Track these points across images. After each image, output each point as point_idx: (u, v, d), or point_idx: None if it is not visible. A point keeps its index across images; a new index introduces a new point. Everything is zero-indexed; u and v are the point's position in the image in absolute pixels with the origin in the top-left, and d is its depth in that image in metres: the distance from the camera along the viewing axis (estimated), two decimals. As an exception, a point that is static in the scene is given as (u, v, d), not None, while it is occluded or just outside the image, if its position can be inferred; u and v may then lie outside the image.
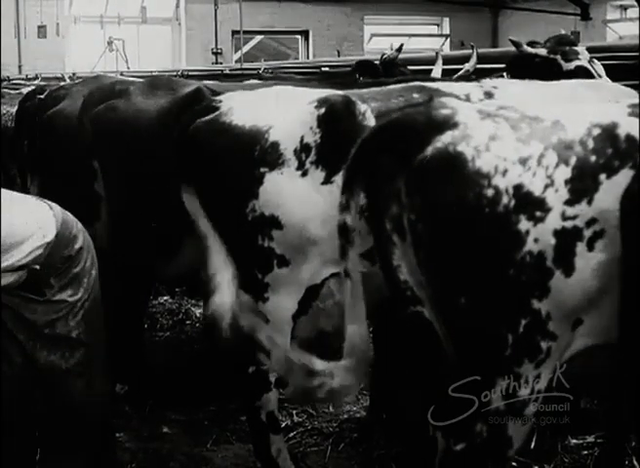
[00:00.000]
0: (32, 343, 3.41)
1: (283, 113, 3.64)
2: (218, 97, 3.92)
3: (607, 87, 3.78)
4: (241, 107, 3.73)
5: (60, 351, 3.45)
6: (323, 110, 3.58)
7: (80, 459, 3.53)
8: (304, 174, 3.56)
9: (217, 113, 3.73)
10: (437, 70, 6.38)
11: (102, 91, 5.03)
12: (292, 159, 3.56)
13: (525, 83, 3.97)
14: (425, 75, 6.04)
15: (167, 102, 4.64)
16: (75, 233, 3.50)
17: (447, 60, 6.85)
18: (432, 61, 6.62)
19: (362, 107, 3.60)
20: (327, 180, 3.55)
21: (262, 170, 3.57)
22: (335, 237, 3.49)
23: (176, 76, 9.01)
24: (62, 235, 3.44)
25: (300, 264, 3.61)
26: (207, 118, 3.74)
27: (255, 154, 3.58)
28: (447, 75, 6.20)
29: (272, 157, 3.57)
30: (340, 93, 3.72)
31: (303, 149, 3.56)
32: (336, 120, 3.56)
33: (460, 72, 6.15)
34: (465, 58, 6.48)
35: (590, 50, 6.42)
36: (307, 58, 21.79)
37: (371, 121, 3.56)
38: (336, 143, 3.54)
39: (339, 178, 3.52)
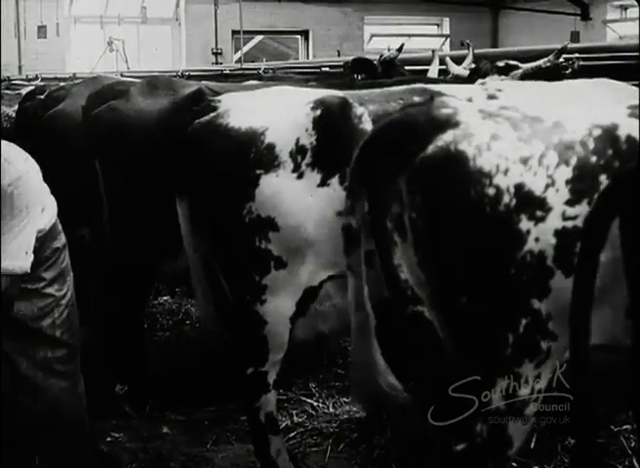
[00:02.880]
0: (17, 340, 3.38)
1: (279, 115, 3.65)
2: (216, 98, 3.92)
3: (614, 86, 3.76)
4: (238, 109, 3.73)
5: (44, 350, 3.43)
6: (319, 112, 3.58)
7: (62, 460, 3.51)
8: (300, 176, 3.56)
9: (213, 114, 3.73)
10: (434, 70, 6.38)
11: (103, 92, 5.03)
12: (287, 161, 3.56)
13: (529, 84, 3.96)
14: (424, 75, 6.04)
15: (168, 103, 4.65)
16: (60, 229, 3.50)
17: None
18: (431, 62, 6.62)
19: (358, 110, 3.61)
20: (323, 183, 3.56)
21: (258, 171, 3.57)
22: (332, 239, 3.51)
23: (176, 76, 9.01)
24: (56, 223, 3.44)
25: (298, 266, 3.61)
26: (204, 119, 3.75)
27: (250, 156, 3.58)
28: (446, 75, 6.20)
29: (268, 159, 3.57)
30: (339, 94, 3.73)
31: (299, 151, 3.57)
32: (331, 122, 3.57)
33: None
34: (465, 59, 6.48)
35: (590, 50, 6.42)
36: (307, 58, 21.77)
37: (367, 124, 3.56)
38: (331, 146, 3.55)
39: (335, 181, 3.55)
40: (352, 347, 3.13)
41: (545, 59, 5.47)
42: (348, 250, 2.91)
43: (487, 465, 2.71)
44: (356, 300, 2.95)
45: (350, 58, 7.42)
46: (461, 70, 5.98)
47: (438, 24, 24.18)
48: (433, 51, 6.97)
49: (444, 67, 6.43)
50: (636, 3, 13.24)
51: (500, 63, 5.45)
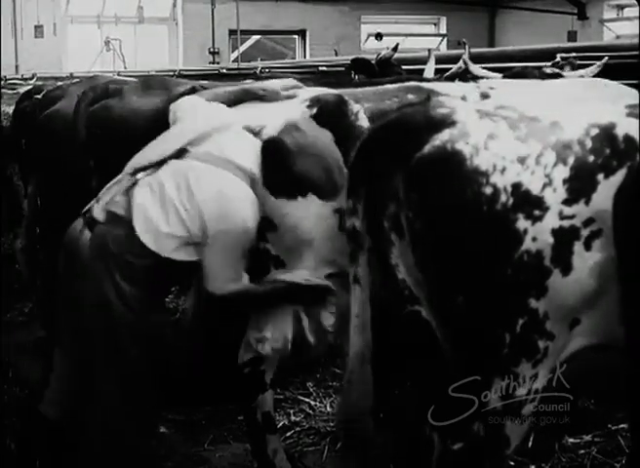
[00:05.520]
0: None
1: (275, 112, 3.64)
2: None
3: (609, 86, 3.77)
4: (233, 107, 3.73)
5: None
6: (315, 110, 3.58)
7: None
8: None
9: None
10: (430, 69, 6.38)
11: (96, 90, 5.02)
12: None
13: (523, 83, 3.97)
14: (420, 75, 6.04)
15: (161, 102, 4.63)
16: None
17: (444, 60, 6.85)
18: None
19: (355, 107, 3.60)
20: None
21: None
22: (329, 237, 3.50)
23: (172, 76, 9.00)
24: None
25: (296, 265, 3.60)
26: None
27: None
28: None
29: None
30: (334, 92, 3.72)
31: None
32: (328, 120, 3.56)
33: (452, 70, 6.14)
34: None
35: (587, 49, 6.43)
36: (304, 57, 21.78)
37: (363, 121, 3.56)
38: None
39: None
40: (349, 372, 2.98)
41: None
42: (354, 256, 2.87)
43: (484, 464, 2.71)
44: (363, 318, 2.90)
45: (348, 57, 7.43)
46: (486, 72, 5.81)
47: (435, 24, 24.21)
48: (429, 50, 6.97)
49: (440, 66, 6.44)
50: (633, 2, 13.24)
51: (548, 70, 5.29)
